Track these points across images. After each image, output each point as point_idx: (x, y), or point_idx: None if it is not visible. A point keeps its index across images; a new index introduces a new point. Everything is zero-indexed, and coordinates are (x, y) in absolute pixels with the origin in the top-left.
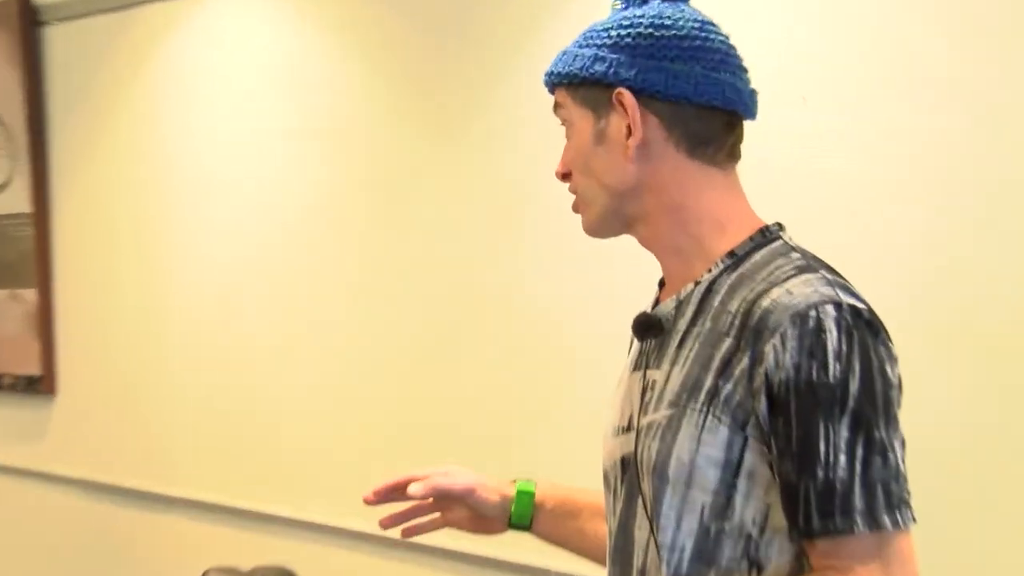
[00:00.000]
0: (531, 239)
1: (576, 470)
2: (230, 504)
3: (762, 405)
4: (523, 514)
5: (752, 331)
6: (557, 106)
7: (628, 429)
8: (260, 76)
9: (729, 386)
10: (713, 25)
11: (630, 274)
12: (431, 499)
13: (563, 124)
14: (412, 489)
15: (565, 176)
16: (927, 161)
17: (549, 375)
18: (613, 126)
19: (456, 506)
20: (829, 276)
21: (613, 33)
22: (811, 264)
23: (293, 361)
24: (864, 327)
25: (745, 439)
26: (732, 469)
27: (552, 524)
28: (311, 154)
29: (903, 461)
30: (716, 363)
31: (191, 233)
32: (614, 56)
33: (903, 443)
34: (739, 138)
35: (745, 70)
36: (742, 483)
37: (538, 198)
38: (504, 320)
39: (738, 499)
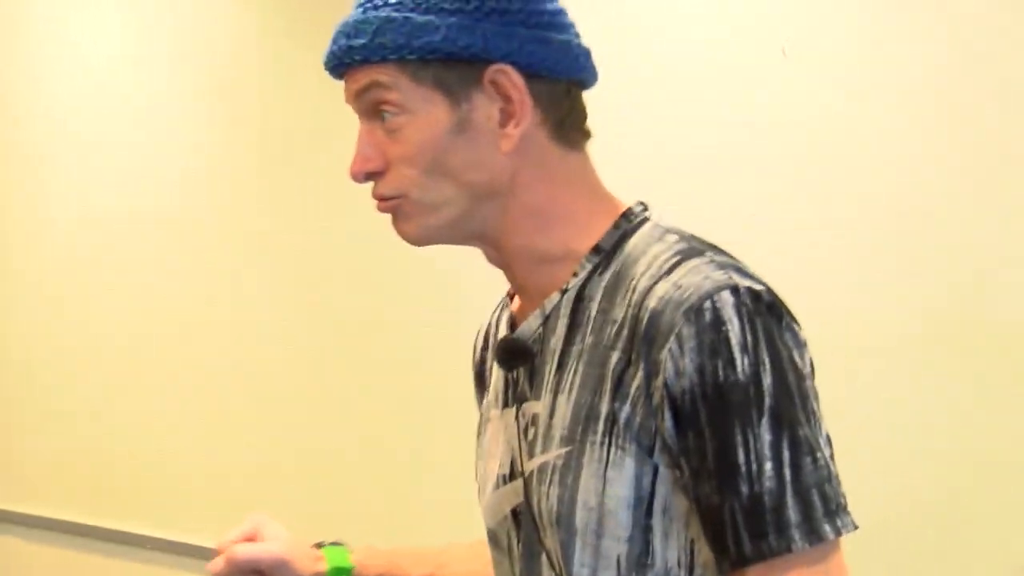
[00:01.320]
0: None
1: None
2: (80, 521)
3: (667, 422)
4: None
5: (643, 339)
6: (369, 87)
7: (512, 476)
8: (124, 23)
9: (627, 408)
10: None
11: None
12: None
13: (374, 108)
14: (212, 567)
15: (373, 175)
16: (908, 125)
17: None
18: (480, 111)
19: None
20: (717, 258)
21: None
22: (693, 246)
23: (157, 360)
24: (766, 312)
25: (655, 468)
26: (644, 507)
27: None
28: (189, 116)
29: (832, 459)
30: (608, 383)
31: (32, 210)
32: (482, 25)
33: (828, 439)
34: (585, 111)
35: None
36: (657, 522)
37: None
38: (422, 319)
39: (656, 542)
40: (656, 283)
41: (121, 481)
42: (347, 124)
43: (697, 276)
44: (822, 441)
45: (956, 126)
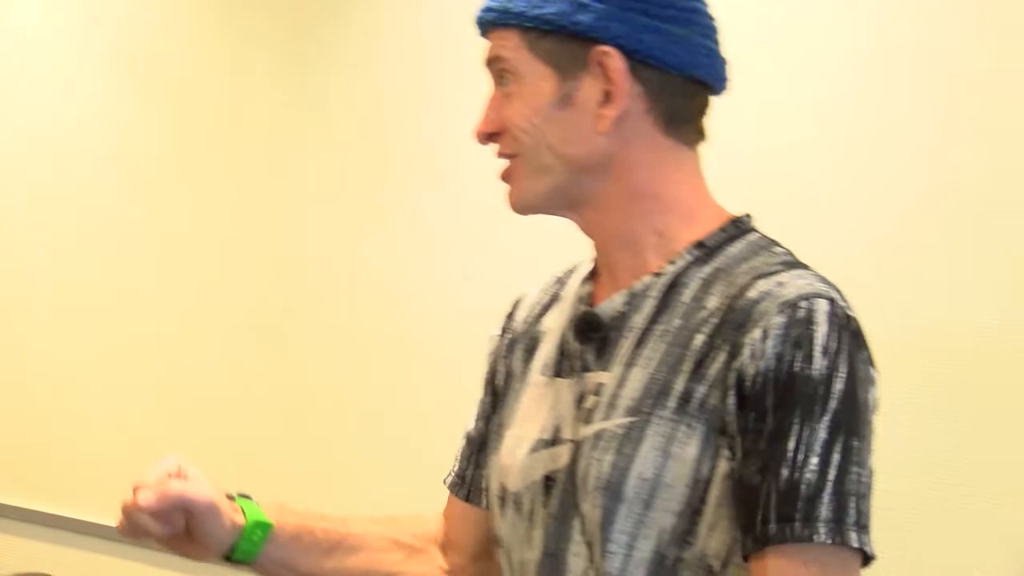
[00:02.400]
0: (403, 205)
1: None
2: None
3: (730, 399)
4: (251, 551)
5: (733, 324)
6: (496, 51)
7: (555, 442)
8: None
9: (703, 388)
10: None
11: (514, 257)
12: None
13: (499, 73)
14: (144, 499)
15: (491, 136)
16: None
17: (402, 373)
18: (584, 89)
19: (175, 517)
20: (821, 275)
21: None
22: (800, 261)
23: (55, 333)
24: (853, 335)
25: (716, 450)
26: (701, 489)
27: (283, 557)
28: (112, 90)
29: (872, 490)
30: (688, 364)
31: None
32: (600, 6)
33: (872, 472)
34: (708, 115)
35: (719, 36)
36: (710, 507)
37: (418, 147)
38: (353, 305)
39: (703, 526)
40: (758, 279)
41: (17, 457)
42: (289, 95)
43: (801, 280)
44: (871, 465)
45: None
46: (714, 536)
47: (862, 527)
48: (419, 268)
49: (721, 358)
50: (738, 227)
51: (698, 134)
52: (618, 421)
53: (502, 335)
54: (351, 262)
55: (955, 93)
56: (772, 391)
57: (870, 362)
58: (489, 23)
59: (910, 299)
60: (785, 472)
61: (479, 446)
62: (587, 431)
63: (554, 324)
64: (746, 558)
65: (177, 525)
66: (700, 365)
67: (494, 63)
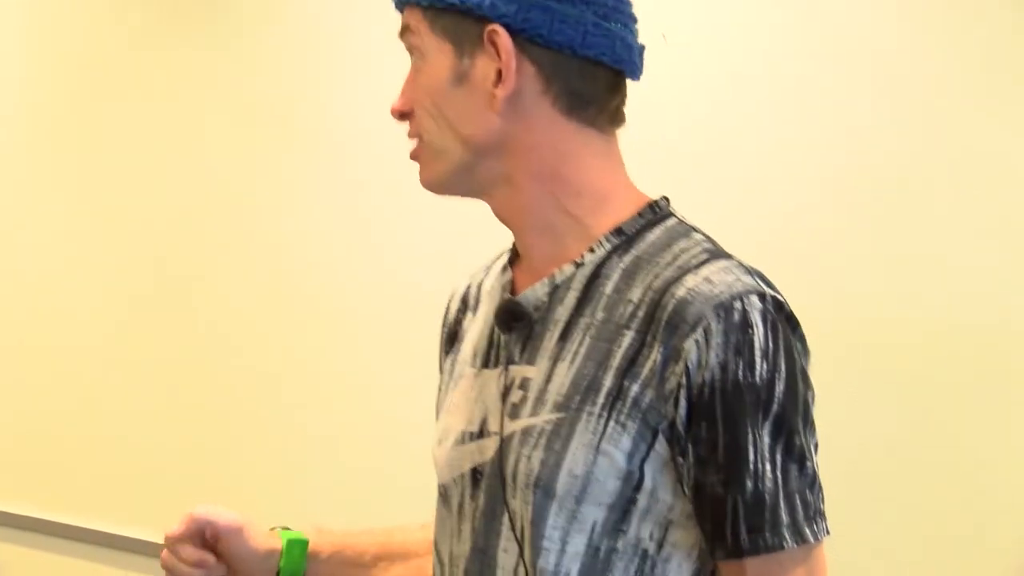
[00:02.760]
0: (308, 181)
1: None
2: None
3: (681, 409)
4: (295, 569)
5: (666, 324)
6: (406, 29)
7: (481, 435)
8: None
9: (636, 387)
10: None
11: (442, 240)
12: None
13: (409, 51)
14: (169, 533)
15: (404, 115)
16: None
17: (315, 367)
18: (479, 68)
19: (208, 559)
20: (743, 264)
21: None
22: (720, 249)
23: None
24: (785, 322)
25: (649, 447)
26: (634, 482)
27: (330, 572)
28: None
29: (817, 467)
30: (617, 360)
31: None
32: None
33: (816, 446)
34: (623, 99)
35: (635, 20)
36: (643, 496)
37: (327, 121)
38: (259, 294)
39: (635, 514)
40: (684, 275)
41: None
42: (180, 60)
43: (728, 276)
44: (813, 450)
45: (830, 113)
46: (647, 521)
47: (810, 518)
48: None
49: (655, 358)
50: (655, 212)
51: (609, 118)
52: (546, 417)
53: (441, 329)
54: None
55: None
56: (720, 401)
57: (802, 338)
58: (400, 5)
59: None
60: (750, 485)
61: None
62: (514, 426)
63: (481, 314)
64: (713, 555)
65: (212, 565)
66: (632, 363)
67: (404, 36)
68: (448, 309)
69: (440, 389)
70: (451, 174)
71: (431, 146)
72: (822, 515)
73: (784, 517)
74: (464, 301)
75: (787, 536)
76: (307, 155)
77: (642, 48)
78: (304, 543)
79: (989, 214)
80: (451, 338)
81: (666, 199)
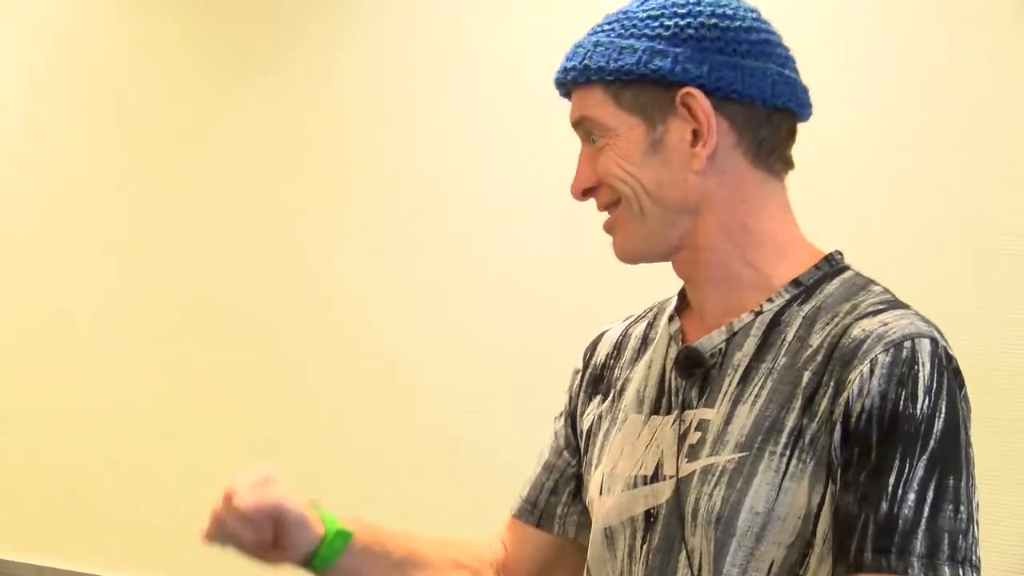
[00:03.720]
0: (352, 225)
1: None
2: None
3: (836, 434)
4: (330, 559)
5: (839, 362)
6: (582, 111)
7: (656, 479)
8: None
9: (813, 425)
10: (760, 14)
11: (463, 274)
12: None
13: (587, 131)
14: (241, 503)
15: (588, 191)
16: None
17: (353, 402)
18: (673, 132)
19: (265, 525)
20: (921, 314)
21: (669, 23)
22: (899, 300)
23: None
24: (954, 375)
25: (826, 484)
26: (811, 522)
27: (356, 566)
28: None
29: (977, 524)
30: (799, 401)
31: None
32: (676, 50)
33: (978, 505)
34: (794, 143)
35: (795, 63)
36: (819, 539)
37: (370, 168)
38: (305, 334)
39: (813, 558)
40: (862, 319)
41: None
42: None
43: (903, 320)
44: (973, 501)
45: None
46: (823, 567)
47: (957, 562)
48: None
49: (828, 394)
50: (832, 265)
51: (785, 163)
52: (727, 457)
53: (583, 371)
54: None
55: None
56: (876, 428)
57: (967, 398)
58: (571, 83)
59: None
60: (884, 506)
61: (560, 475)
62: (693, 466)
63: (645, 362)
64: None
65: (265, 532)
66: (810, 402)
67: (582, 123)
68: (595, 352)
69: (583, 432)
70: (650, 240)
71: (630, 212)
72: (974, 567)
73: (919, 548)
74: (617, 347)
75: (915, 565)
76: (363, 201)
77: (807, 89)
78: (347, 535)
79: None
80: (596, 380)
81: (840, 252)
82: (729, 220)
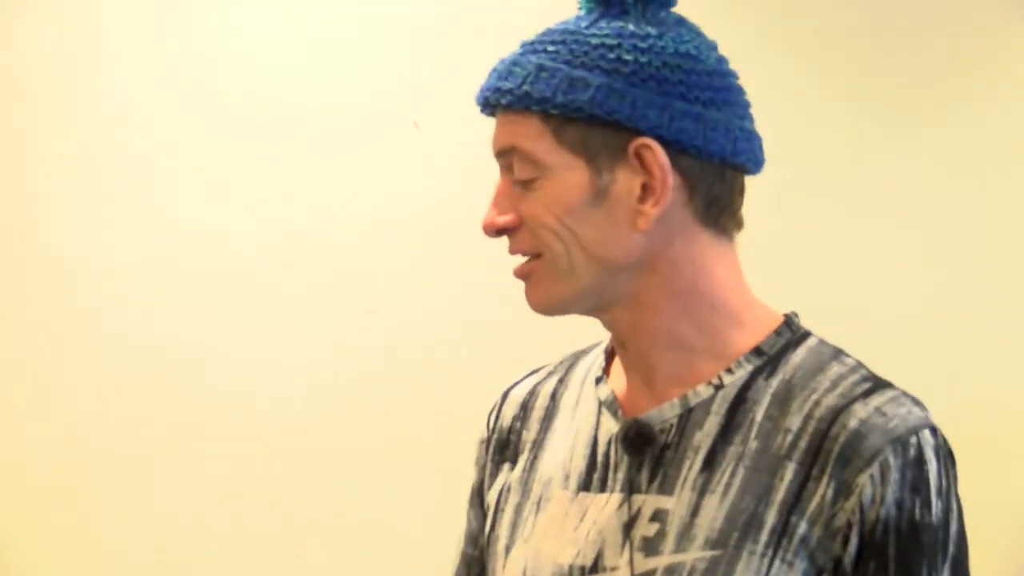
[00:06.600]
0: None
1: None
2: None
3: (852, 547)
4: None
5: (837, 457)
6: (511, 140)
7: (595, 570)
8: None
9: (804, 523)
10: (719, 51)
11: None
12: None
13: (510, 163)
14: None
15: (504, 230)
16: None
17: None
18: (620, 183)
19: None
20: (907, 393)
21: (627, 58)
22: (875, 373)
23: None
24: (952, 463)
25: None
26: None
27: None
28: None
29: None
30: (781, 494)
31: None
32: (635, 91)
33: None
34: (743, 201)
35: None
36: None
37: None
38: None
39: None
40: (851, 404)
41: None
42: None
43: (901, 408)
44: None
45: None
46: None
47: None
48: None
49: (823, 492)
50: (792, 331)
51: (736, 223)
52: (696, 555)
53: (489, 438)
54: None
55: None
56: (894, 540)
57: (957, 475)
58: (503, 106)
59: None
60: None
61: (481, 568)
62: (653, 563)
63: (568, 430)
64: None
65: None
66: (798, 498)
67: (509, 153)
68: (500, 415)
69: (489, 506)
70: (575, 296)
71: (555, 268)
72: None
73: None
74: (523, 407)
75: None
76: None
77: (761, 140)
78: None
79: None
80: (502, 446)
81: (795, 314)
82: (676, 282)
